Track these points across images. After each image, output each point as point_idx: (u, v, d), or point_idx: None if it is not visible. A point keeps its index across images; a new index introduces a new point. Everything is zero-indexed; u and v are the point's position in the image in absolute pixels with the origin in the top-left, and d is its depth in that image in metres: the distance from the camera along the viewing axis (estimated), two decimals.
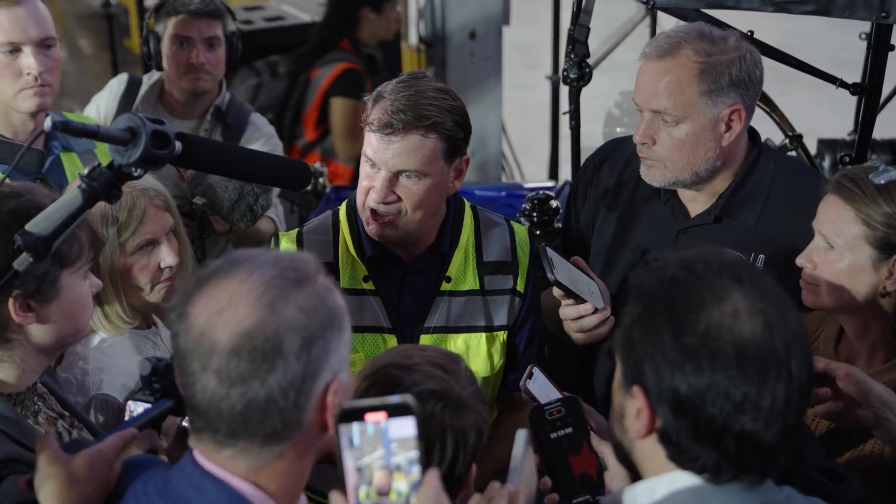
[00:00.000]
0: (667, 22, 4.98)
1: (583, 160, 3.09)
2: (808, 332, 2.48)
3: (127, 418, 2.00)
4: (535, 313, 2.70)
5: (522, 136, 6.39)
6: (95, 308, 2.49)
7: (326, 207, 3.29)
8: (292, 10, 5.81)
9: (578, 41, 3.26)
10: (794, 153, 3.65)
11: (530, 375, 2.22)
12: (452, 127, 2.45)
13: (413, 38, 6.49)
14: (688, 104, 2.56)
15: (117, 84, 3.95)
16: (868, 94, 3.24)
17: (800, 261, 2.39)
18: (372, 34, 5.36)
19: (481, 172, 6.11)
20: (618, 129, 5.21)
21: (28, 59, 2.95)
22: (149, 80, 3.92)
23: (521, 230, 2.72)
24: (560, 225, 3.26)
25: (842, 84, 3.28)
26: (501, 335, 2.64)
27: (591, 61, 3.32)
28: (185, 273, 2.69)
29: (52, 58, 3.01)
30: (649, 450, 1.65)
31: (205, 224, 3.53)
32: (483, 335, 2.62)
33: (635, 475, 1.72)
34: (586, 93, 3.38)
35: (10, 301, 1.99)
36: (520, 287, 2.66)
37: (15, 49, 2.95)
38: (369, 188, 2.47)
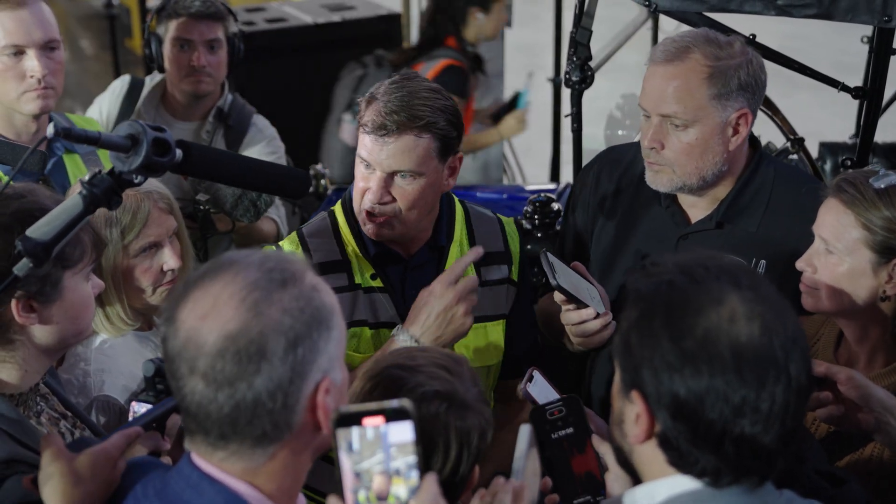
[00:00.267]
0: (668, 25, 5.00)
1: (584, 163, 3.09)
2: (807, 335, 2.49)
3: (131, 420, 2.01)
4: (528, 300, 2.76)
5: (524, 138, 6.38)
6: (97, 309, 2.49)
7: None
8: (294, 11, 5.82)
9: (580, 44, 3.26)
10: (795, 157, 3.65)
11: (530, 378, 2.22)
12: (445, 126, 2.47)
13: (415, 40, 6.48)
14: (697, 108, 2.57)
15: (119, 85, 3.96)
16: (870, 97, 3.24)
17: (799, 264, 2.39)
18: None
19: (483, 174, 6.11)
20: (619, 132, 5.21)
21: (32, 62, 2.96)
22: (151, 81, 3.92)
23: (508, 221, 2.77)
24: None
25: (844, 88, 3.28)
26: (500, 324, 2.69)
27: (592, 64, 3.32)
28: (187, 276, 2.69)
29: (56, 60, 3.01)
30: (649, 454, 1.65)
31: (207, 224, 3.53)
32: (485, 325, 2.65)
33: (636, 480, 1.72)
34: (588, 95, 3.38)
35: (13, 302, 1.99)
36: (514, 276, 2.71)
37: (19, 51, 2.96)
38: (365, 189, 2.49)
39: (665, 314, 1.60)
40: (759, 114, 2.76)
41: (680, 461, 1.61)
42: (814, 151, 4.10)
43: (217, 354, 1.54)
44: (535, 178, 6.72)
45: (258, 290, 1.57)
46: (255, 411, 1.56)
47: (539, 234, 3.56)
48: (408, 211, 2.49)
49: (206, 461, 1.62)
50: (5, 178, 2.80)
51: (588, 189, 2.93)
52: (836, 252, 2.32)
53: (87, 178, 1.86)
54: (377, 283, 2.58)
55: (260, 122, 3.92)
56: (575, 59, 3.27)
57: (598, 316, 2.52)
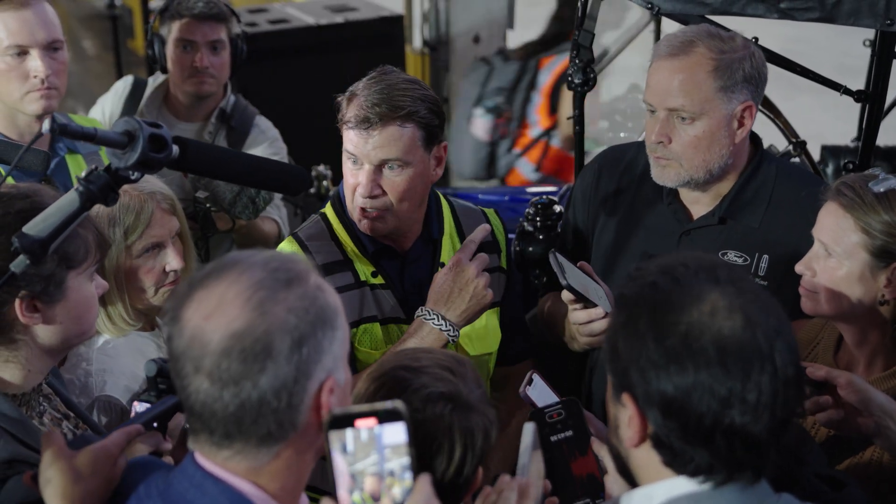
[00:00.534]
0: (670, 27, 4.99)
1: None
2: (807, 339, 2.50)
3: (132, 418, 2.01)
4: (517, 287, 2.85)
5: None
6: (99, 309, 2.49)
7: None
8: (296, 12, 5.81)
9: (583, 46, 3.26)
10: (797, 160, 3.65)
11: (530, 381, 2.22)
12: (427, 115, 2.51)
13: (417, 42, 6.50)
14: (704, 101, 2.59)
15: (122, 86, 3.97)
16: (872, 101, 3.24)
17: (799, 268, 2.40)
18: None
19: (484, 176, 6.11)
20: (622, 135, 5.22)
21: (35, 62, 2.96)
22: (153, 82, 3.93)
23: (490, 212, 2.84)
24: None
25: (846, 91, 3.28)
26: (496, 311, 2.74)
27: (595, 66, 3.32)
28: (191, 276, 2.69)
29: (59, 61, 3.01)
30: (644, 457, 1.66)
31: (208, 223, 3.53)
32: (484, 313, 2.66)
33: (635, 486, 1.73)
34: (590, 97, 3.38)
35: (17, 302, 2.00)
36: (503, 263, 2.78)
37: (22, 52, 2.96)
38: (355, 185, 2.53)
39: (648, 315, 1.62)
40: (761, 116, 2.77)
41: (674, 460, 1.62)
42: (816, 154, 4.10)
43: (222, 353, 1.55)
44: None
45: (263, 289, 1.58)
46: (261, 410, 1.56)
47: (541, 237, 3.56)
48: (399, 203, 2.52)
49: (210, 461, 1.62)
50: (10, 179, 2.80)
51: (589, 188, 2.94)
52: (836, 256, 2.32)
53: (83, 174, 1.86)
54: (378, 279, 2.61)
55: (262, 123, 3.92)
56: (577, 61, 3.27)
57: (605, 315, 2.53)
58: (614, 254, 2.87)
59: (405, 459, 1.55)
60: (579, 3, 3.25)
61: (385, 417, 1.55)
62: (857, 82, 3.44)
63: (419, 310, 2.51)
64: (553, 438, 2.05)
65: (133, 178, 1.87)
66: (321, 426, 1.61)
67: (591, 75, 3.30)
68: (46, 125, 1.79)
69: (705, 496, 1.62)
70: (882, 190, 2.28)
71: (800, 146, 3.63)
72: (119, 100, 3.92)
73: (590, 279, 2.58)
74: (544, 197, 3.75)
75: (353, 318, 2.52)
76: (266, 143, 3.85)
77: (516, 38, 6.12)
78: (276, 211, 3.80)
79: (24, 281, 1.97)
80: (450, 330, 2.47)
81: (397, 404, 1.56)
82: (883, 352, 2.36)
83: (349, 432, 1.55)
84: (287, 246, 2.63)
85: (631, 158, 2.90)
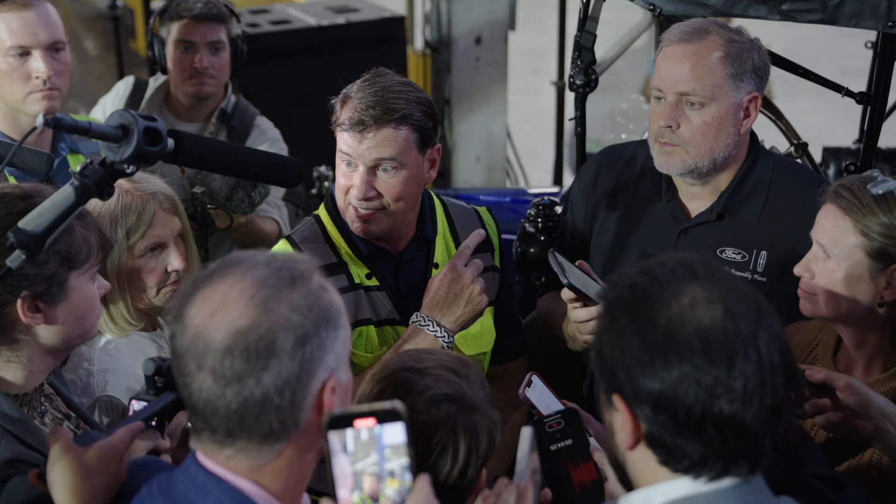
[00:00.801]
0: None
1: None
2: (806, 341, 2.51)
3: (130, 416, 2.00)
4: (511, 285, 2.85)
5: (527, 141, 6.40)
6: (101, 309, 2.49)
7: None
8: (298, 13, 5.81)
9: (585, 47, 3.26)
10: (799, 161, 3.65)
11: (529, 384, 2.22)
12: (421, 117, 2.51)
13: (419, 43, 6.50)
14: (715, 86, 2.61)
15: (123, 86, 3.97)
16: (873, 102, 3.24)
17: (797, 270, 2.40)
18: None
19: (486, 177, 6.12)
20: (623, 136, 5.22)
21: (37, 63, 2.96)
22: (155, 82, 3.94)
23: (483, 211, 2.84)
24: None
25: (848, 93, 3.29)
26: (490, 310, 2.73)
27: (597, 67, 3.32)
28: (191, 277, 2.69)
29: (62, 61, 3.02)
30: (640, 459, 1.66)
31: (206, 221, 3.54)
32: None
33: None
34: (592, 99, 3.38)
35: (19, 302, 2.00)
36: (496, 262, 2.78)
37: (24, 52, 2.96)
38: (348, 187, 2.53)
39: (628, 313, 1.62)
40: (763, 118, 2.78)
41: (669, 458, 1.62)
42: (817, 156, 4.10)
43: (226, 351, 1.55)
44: (539, 182, 6.73)
45: (267, 287, 1.58)
46: (263, 408, 1.56)
47: (542, 238, 3.56)
48: (394, 204, 2.53)
49: (212, 460, 1.62)
50: (12, 179, 2.81)
51: (587, 187, 2.95)
52: (834, 258, 2.33)
53: (78, 168, 1.86)
54: (373, 281, 2.61)
55: (263, 123, 3.93)
56: (579, 62, 3.28)
57: None
58: (613, 253, 2.88)
59: (405, 460, 1.55)
60: (581, 5, 3.25)
61: (384, 418, 1.55)
62: (859, 84, 3.45)
63: (414, 315, 2.51)
64: (553, 447, 2.05)
65: (128, 171, 1.86)
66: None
67: (593, 76, 3.30)
68: (40, 118, 1.78)
69: (703, 498, 1.62)
70: (880, 192, 2.29)
71: (801, 148, 3.63)
72: (120, 100, 3.92)
73: (589, 278, 2.58)
74: (546, 198, 3.76)
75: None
76: (267, 143, 3.85)
77: (514, 39, 6.12)
78: (277, 210, 3.80)
79: (26, 281, 1.98)
80: (444, 336, 2.47)
81: (396, 404, 1.56)
82: (881, 354, 2.37)
83: (349, 432, 1.55)
84: (281, 248, 2.62)
85: (629, 157, 2.91)
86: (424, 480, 1.56)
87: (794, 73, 3.33)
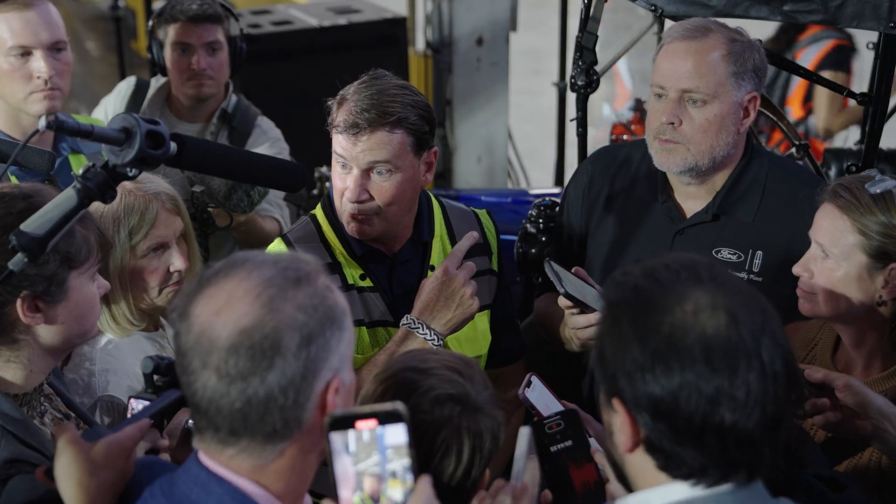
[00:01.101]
0: None
1: None
2: (805, 340, 2.50)
3: (129, 417, 2.00)
4: (509, 289, 2.84)
5: (529, 142, 6.40)
6: (103, 309, 2.49)
7: None
8: (300, 14, 5.82)
9: (586, 48, 3.26)
10: (800, 162, 3.65)
11: (528, 384, 2.22)
12: (417, 121, 2.50)
13: (420, 44, 6.50)
14: (718, 83, 2.62)
15: (125, 87, 3.98)
16: (875, 103, 3.24)
17: (796, 269, 2.41)
18: None
19: (487, 178, 6.11)
20: (624, 137, 5.21)
21: (38, 63, 2.96)
22: (156, 83, 3.94)
23: (483, 213, 2.82)
24: None
25: (849, 94, 3.29)
26: (486, 314, 2.73)
27: (598, 68, 3.32)
28: (194, 277, 2.69)
29: (63, 61, 3.02)
30: (639, 462, 1.65)
31: (207, 221, 3.54)
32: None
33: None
34: (593, 100, 3.38)
35: (19, 302, 2.00)
36: (494, 266, 2.77)
37: (26, 52, 2.97)
38: (343, 189, 2.53)
39: (631, 318, 1.61)
40: (765, 119, 2.77)
41: (668, 464, 1.61)
42: (818, 157, 4.10)
43: (231, 349, 1.55)
44: (540, 183, 6.73)
45: (272, 287, 1.58)
46: (267, 407, 1.56)
47: (543, 239, 3.56)
48: (387, 207, 2.52)
49: (215, 460, 1.62)
50: (14, 179, 2.81)
51: (582, 189, 2.95)
52: (833, 257, 2.33)
53: (81, 171, 1.86)
54: (367, 282, 2.61)
55: (264, 123, 3.93)
56: (580, 63, 3.28)
57: None
58: (609, 254, 2.88)
59: (406, 461, 1.56)
60: (582, 5, 3.25)
61: (385, 419, 1.55)
62: (861, 85, 3.44)
63: (404, 318, 2.51)
64: (553, 449, 2.05)
65: (131, 174, 1.86)
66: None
67: (595, 77, 3.30)
68: (43, 121, 1.79)
69: (701, 502, 1.61)
70: (879, 191, 2.29)
71: (803, 149, 3.63)
72: (122, 101, 3.93)
73: (586, 284, 2.58)
74: (547, 199, 3.76)
75: None
76: (268, 143, 3.85)
77: (515, 40, 6.11)
78: (278, 210, 3.80)
79: (25, 281, 1.98)
80: (434, 339, 2.47)
81: (397, 405, 1.56)
82: (881, 353, 2.37)
83: (351, 433, 1.55)
84: (276, 247, 2.62)
85: (624, 158, 2.91)
86: (426, 481, 1.56)
87: (796, 74, 3.34)
